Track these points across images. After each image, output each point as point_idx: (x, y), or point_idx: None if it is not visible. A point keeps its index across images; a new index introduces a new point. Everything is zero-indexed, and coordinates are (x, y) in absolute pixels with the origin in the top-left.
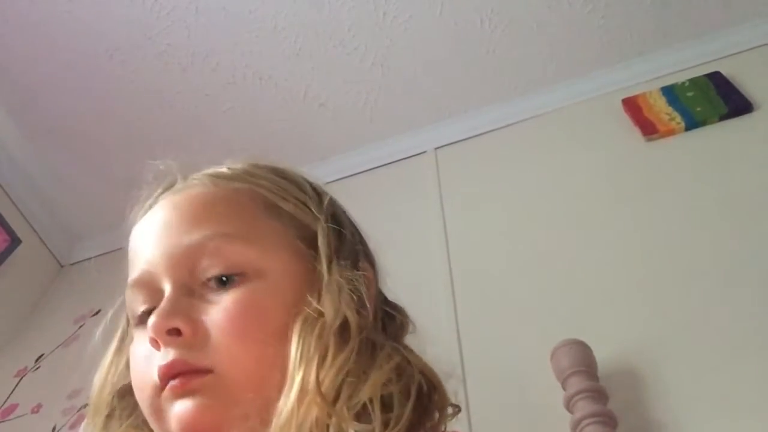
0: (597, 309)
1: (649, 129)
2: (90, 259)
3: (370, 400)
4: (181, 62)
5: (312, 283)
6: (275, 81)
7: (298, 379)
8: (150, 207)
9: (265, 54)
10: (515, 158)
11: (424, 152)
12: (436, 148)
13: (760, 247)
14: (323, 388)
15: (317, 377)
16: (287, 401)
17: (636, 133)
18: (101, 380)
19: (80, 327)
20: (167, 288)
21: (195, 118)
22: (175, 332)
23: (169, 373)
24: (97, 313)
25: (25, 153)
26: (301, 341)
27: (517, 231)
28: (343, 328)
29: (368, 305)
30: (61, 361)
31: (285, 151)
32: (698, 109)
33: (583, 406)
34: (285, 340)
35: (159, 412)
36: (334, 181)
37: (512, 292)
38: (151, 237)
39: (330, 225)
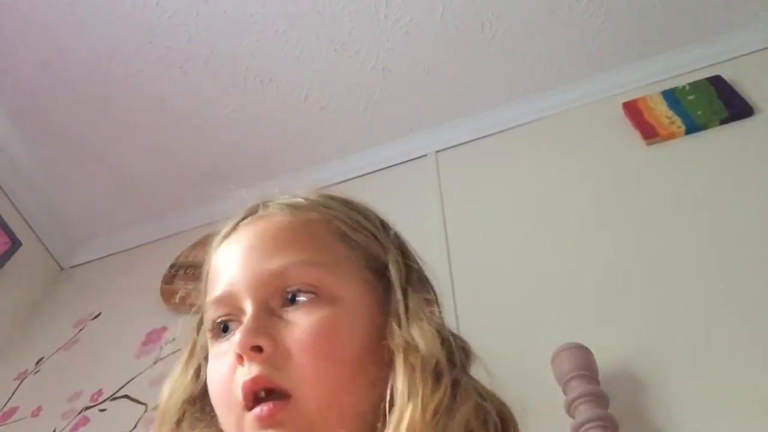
0: (598, 313)
1: (649, 132)
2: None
3: None
4: (182, 65)
5: (382, 312)
6: (276, 84)
7: (408, 413)
8: (232, 231)
9: (266, 57)
10: (516, 162)
11: (425, 155)
12: (437, 152)
13: (760, 250)
14: (427, 420)
15: (423, 411)
16: None
17: (636, 136)
18: (171, 388)
19: (80, 330)
20: (249, 307)
21: (196, 121)
22: (258, 349)
23: (252, 388)
24: (97, 316)
25: (26, 156)
26: (407, 372)
27: (517, 234)
28: (437, 364)
29: (452, 341)
30: (62, 364)
31: (286, 154)
32: (699, 112)
33: (584, 411)
34: (360, 367)
35: None
36: (334, 184)
37: (513, 296)
38: (235, 260)
39: (399, 256)
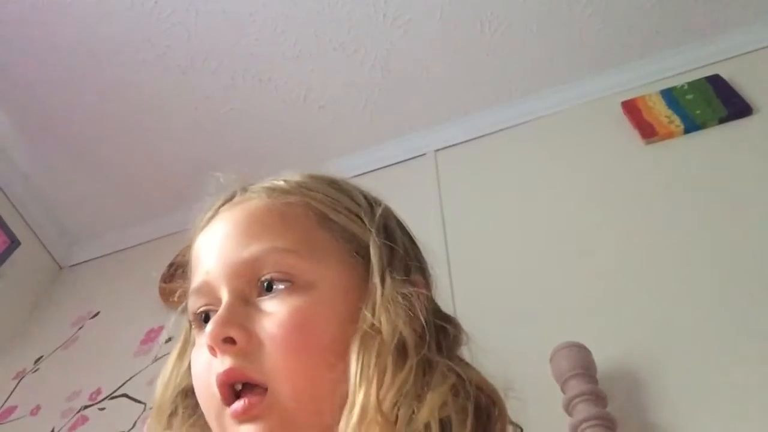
0: (596, 312)
1: (648, 132)
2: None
3: (428, 424)
4: (181, 64)
5: (365, 296)
6: (275, 83)
7: (359, 398)
8: (210, 219)
9: (265, 56)
10: (515, 161)
11: (424, 155)
12: (436, 151)
13: (759, 249)
14: (384, 408)
15: (377, 397)
16: (349, 422)
17: (635, 135)
18: (165, 381)
19: (79, 329)
20: (224, 296)
21: (195, 120)
22: (230, 341)
23: (225, 381)
24: (95, 315)
25: (24, 155)
26: (360, 359)
27: (516, 234)
28: (401, 346)
29: (424, 323)
30: (60, 363)
31: (284, 153)
32: (697, 112)
33: (583, 409)
34: (337, 355)
35: (224, 430)
36: None
37: (511, 295)
38: (211, 249)
39: (381, 238)
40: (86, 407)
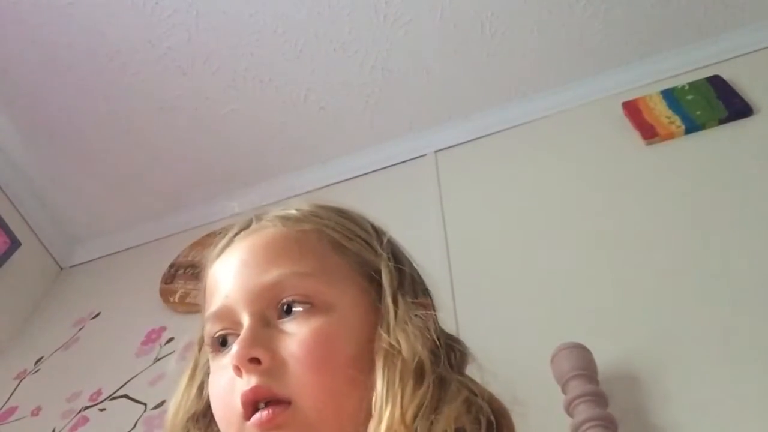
0: (597, 312)
1: (649, 132)
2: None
3: None
4: (182, 65)
5: (377, 318)
6: (275, 84)
7: (386, 413)
8: (226, 246)
9: (266, 57)
10: (515, 161)
11: (424, 155)
12: (436, 151)
13: (760, 251)
14: (407, 421)
15: (401, 411)
16: None
17: (636, 136)
18: (176, 405)
19: (80, 330)
20: (245, 319)
21: (195, 121)
22: (256, 361)
23: (252, 399)
24: (96, 315)
25: (25, 156)
26: (385, 377)
27: (517, 234)
28: (420, 364)
29: (438, 341)
30: (61, 364)
31: (285, 154)
32: (698, 112)
33: (584, 410)
34: (357, 371)
35: None
36: (333, 184)
37: (512, 296)
38: (230, 274)
39: (392, 262)
40: (87, 408)
